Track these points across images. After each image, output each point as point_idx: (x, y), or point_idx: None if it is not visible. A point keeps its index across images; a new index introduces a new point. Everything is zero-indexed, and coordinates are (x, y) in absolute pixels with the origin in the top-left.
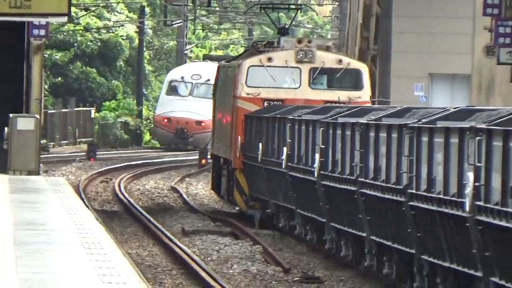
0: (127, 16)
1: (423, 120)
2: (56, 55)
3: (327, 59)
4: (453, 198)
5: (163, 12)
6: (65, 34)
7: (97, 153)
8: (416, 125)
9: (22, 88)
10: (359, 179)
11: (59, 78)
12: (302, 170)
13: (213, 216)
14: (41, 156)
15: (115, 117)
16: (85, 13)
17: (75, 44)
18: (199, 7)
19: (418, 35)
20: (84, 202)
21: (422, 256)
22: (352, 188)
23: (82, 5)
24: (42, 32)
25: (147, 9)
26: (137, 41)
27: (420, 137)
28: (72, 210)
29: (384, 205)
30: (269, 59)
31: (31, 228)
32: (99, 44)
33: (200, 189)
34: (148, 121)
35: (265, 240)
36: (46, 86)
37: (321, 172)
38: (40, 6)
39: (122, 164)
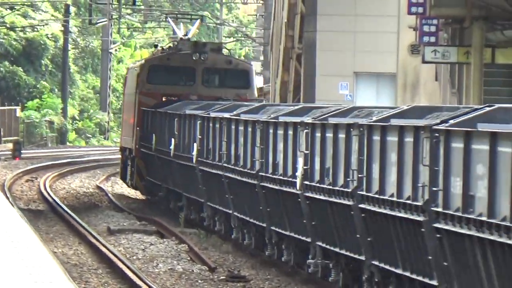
0: (52, 15)
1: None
2: None
3: (219, 60)
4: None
5: (88, 11)
6: None
7: (22, 151)
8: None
9: None
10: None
11: None
12: (185, 158)
13: (139, 215)
14: None
15: (41, 116)
16: (10, 11)
17: (0, 44)
18: (124, 6)
19: (343, 34)
20: (9, 201)
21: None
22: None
23: (8, 4)
24: None
25: (72, 8)
26: (62, 40)
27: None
28: None
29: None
30: (168, 59)
31: None
32: (23, 43)
33: (125, 188)
34: (73, 119)
35: (190, 238)
36: None
37: (199, 159)
38: None
39: (48, 163)
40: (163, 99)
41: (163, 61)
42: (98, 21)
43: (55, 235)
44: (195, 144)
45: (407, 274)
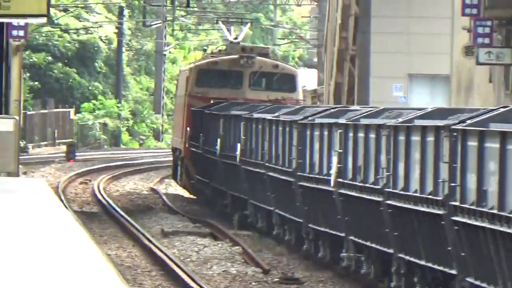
0: (106, 17)
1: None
2: (32, 57)
3: (265, 64)
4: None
5: (142, 13)
6: (44, 35)
7: (76, 154)
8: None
9: (1, 90)
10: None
11: (36, 83)
12: (230, 157)
13: (193, 217)
14: (20, 157)
15: (94, 119)
16: (64, 13)
17: (54, 46)
18: (178, 8)
19: (397, 36)
20: (63, 203)
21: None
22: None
23: (61, 6)
24: (21, 33)
25: (126, 10)
26: (115, 42)
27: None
28: (52, 211)
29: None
30: (216, 64)
31: (10, 229)
32: (77, 45)
33: (179, 190)
34: (127, 121)
35: (244, 241)
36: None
37: (242, 158)
38: (19, 7)
39: (101, 165)
40: (211, 102)
41: (212, 65)
42: (152, 23)
43: (109, 237)
44: (238, 144)
45: (430, 265)
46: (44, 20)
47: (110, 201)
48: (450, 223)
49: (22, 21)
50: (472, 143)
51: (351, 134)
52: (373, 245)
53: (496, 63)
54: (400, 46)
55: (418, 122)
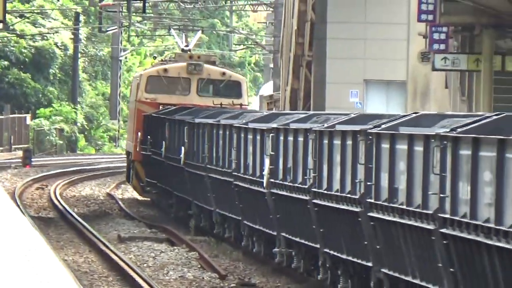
0: (62, 23)
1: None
2: None
3: (213, 71)
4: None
5: (98, 19)
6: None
7: (32, 159)
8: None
9: None
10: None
11: None
12: (174, 159)
13: (149, 223)
14: None
15: (50, 124)
16: (20, 19)
17: (10, 52)
18: (134, 14)
19: (353, 41)
20: (20, 208)
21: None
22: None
23: (17, 11)
24: None
25: (82, 16)
26: (71, 48)
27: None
28: (8, 216)
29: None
30: (165, 71)
31: None
32: (33, 51)
33: (136, 196)
34: (83, 127)
35: (201, 246)
36: None
37: (186, 161)
38: None
39: (58, 171)
40: (160, 108)
41: (161, 72)
42: (108, 29)
43: (65, 242)
44: (182, 147)
45: (350, 258)
46: (0, 26)
47: (67, 207)
48: (366, 219)
49: None
50: (385, 145)
51: (281, 138)
52: (302, 241)
53: (452, 69)
54: (356, 52)
55: (340, 127)
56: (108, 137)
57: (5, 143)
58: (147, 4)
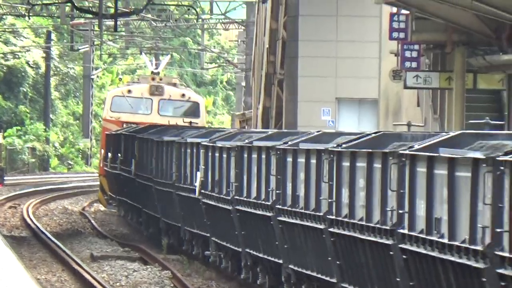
0: (34, 41)
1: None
2: None
3: (173, 93)
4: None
5: (69, 37)
6: None
7: (4, 178)
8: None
9: None
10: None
11: None
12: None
13: (122, 242)
14: None
15: (23, 143)
16: None
17: None
18: (105, 32)
19: (324, 59)
20: None
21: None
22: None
23: None
24: None
25: (54, 34)
26: (43, 66)
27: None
28: None
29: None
30: (129, 91)
31: None
32: (4, 69)
33: (108, 215)
34: (55, 146)
35: (173, 265)
36: None
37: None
38: None
39: (30, 190)
40: (123, 125)
41: (125, 92)
42: (80, 47)
43: (38, 261)
44: (133, 160)
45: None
46: None
47: (39, 225)
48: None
49: None
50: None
51: (210, 154)
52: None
53: (424, 87)
54: (328, 70)
55: (257, 143)
56: (80, 156)
57: None
58: (118, 23)
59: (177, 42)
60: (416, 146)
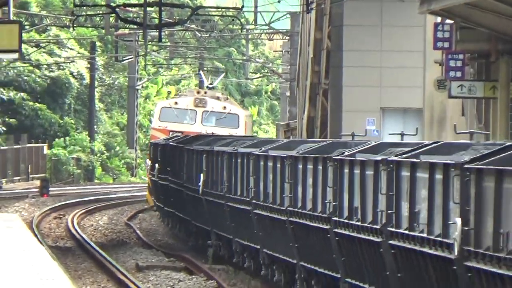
0: (78, 52)
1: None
2: (3, 93)
3: (216, 105)
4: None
5: (114, 48)
6: (15, 71)
7: (50, 189)
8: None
9: None
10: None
11: (12, 120)
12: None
13: (167, 252)
14: None
15: (68, 154)
16: (36, 49)
17: (24, 83)
18: (150, 43)
19: (369, 69)
20: (37, 238)
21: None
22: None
23: (33, 41)
24: None
25: (98, 45)
26: (87, 77)
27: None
28: (26, 246)
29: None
30: (176, 103)
31: None
32: (48, 81)
33: (153, 225)
34: (100, 156)
35: (219, 275)
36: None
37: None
38: None
39: (75, 200)
40: (170, 134)
41: (172, 104)
42: (124, 58)
43: (83, 272)
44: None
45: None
46: (16, 55)
47: (84, 236)
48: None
49: None
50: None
51: (212, 158)
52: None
53: (468, 97)
54: (373, 80)
55: (242, 150)
56: (125, 166)
57: (22, 172)
58: (163, 33)
59: (221, 52)
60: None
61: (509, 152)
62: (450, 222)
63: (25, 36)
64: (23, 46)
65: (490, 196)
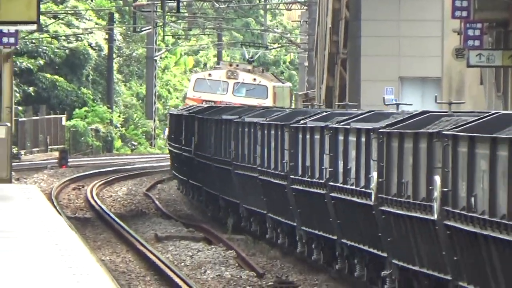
0: (96, 23)
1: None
2: (22, 62)
3: (246, 77)
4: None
5: (132, 19)
6: (33, 42)
7: (68, 160)
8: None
9: None
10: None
11: (31, 88)
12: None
13: (186, 222)
14: (13, 164)
15: (86, 125)
16: (54, 20)
17: (43, 53)
18: (168, 13)
19: (387, 39)
20: (56, 209)
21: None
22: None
23: (51, 12)
24: (12, 40)
25: (116, 16)
26: (105, 48)
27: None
28: (45, 217)
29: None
30: (210, 75)
31: (3, 236)
32: (66, 52)
33: (172, 195)
34: (118, 127)
35: (238, 245)
36: (18, 95)
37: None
38: (9, 14)
39: (94, 171)
40: (203, 103)
41: (206, 76)
42: (143, 29)
43: (102, 242)
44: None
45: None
46: (34, 27)
47: (103, 207)
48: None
49: (12, 28)
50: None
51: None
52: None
53: (487, 65)
54: (391, 49)
55: (225, 116)
56: (143, 136)
57: (41, 144)
58: (181, 4)
59: (239, 22)
60: None
61: (416, 118)
62: (370, 176)
63: (43, 7)
64: (41, 17)
65: (395, 154)
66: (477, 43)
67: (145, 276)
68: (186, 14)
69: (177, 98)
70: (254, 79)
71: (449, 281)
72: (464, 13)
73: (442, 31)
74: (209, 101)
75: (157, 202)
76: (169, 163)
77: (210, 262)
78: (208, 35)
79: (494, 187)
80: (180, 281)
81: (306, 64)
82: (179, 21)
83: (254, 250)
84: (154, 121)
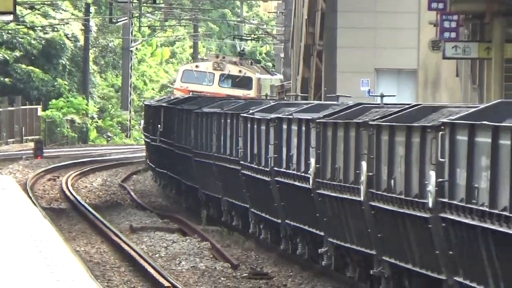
0: (72, 14)
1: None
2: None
3: (232, 69)
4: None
5: (108, 10)
6: (9, 32)
7: (44, 151)
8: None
9: None
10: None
11: (7, 79)
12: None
13: (161, 213)
14: None
15: (62, 115)
16: (30, 11)
17: (19, 44)
18: (144, 4)
19: (363, 30)
20: (31, 200)
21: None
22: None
23: (28, 3)
24: None
25: (92, 7)
26: (82, 39)
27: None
28: (20, 208)
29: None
30: (197, 66)
31: None
32: (43, 42)
33: (147, 186)
34: (93, 118)
35: (213, 236)
36: None
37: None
38: None
39: (69, 162)
40: (190, 94)
41: (193, 67)
42: (119, 20)
43: (77, 233)
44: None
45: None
46: (10, 17)
47: (79, 198)
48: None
49: None
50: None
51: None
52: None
53: (463, 57)
54: (367, 41)
55: (207, 109)
56: (119, 127)
57: (17, 134)
58: None
59: (216, 13)
60: None
61: (350, 110)
62: (308, 162)
63: None
64: (18, 8)
65: (330, 142)
66: (453, 35)
67: (120, 267)
68: (162, 5)
69: (153, 89)
70: (240, 71)
71: (373, 256)
72: (440, 5)
73: (419, 23)
74: (196, 91)
75: (132, 193)
76: (144, 154)
77: (185, 253)
78: (184, 26)
79: (409, 171)
80: (154, 272)
81: (282, 55)
82: (155, 11)
83: (228, 241)
84: (130, 112)
